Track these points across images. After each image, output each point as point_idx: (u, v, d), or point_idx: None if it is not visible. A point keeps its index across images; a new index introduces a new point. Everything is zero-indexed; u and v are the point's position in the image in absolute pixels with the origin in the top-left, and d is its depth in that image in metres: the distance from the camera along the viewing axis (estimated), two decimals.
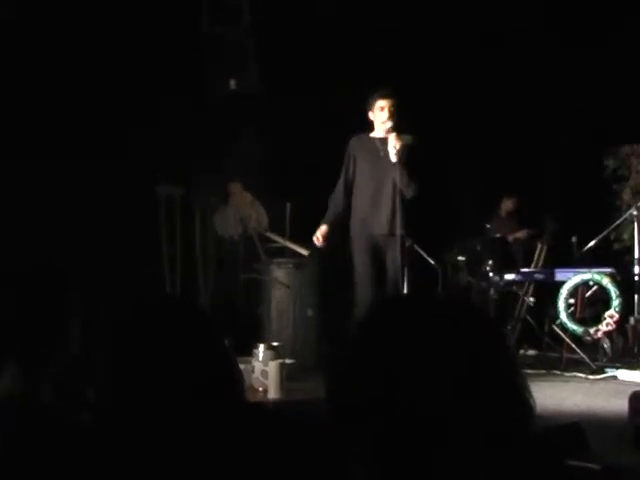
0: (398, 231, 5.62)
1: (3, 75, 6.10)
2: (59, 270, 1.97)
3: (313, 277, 6.74)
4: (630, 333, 6.79)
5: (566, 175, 8.55)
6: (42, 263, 2.01)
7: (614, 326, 6.56)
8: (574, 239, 7.09)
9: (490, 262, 7.27)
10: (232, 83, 7.22)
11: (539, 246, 7.49)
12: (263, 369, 5.31)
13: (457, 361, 1.05)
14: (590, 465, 2.79)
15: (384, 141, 5.78)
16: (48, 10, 6.32)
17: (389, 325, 1.10)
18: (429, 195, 5.82)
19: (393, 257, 5.66)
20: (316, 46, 7.41)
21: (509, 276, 7.25)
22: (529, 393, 1.10)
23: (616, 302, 6.54)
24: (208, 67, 7.32)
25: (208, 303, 6.91)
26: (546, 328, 7.03)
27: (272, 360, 5.35)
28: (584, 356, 6.47)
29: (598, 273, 6.72)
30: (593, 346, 6.71)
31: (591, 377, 6.09)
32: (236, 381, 1.56)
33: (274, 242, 7.16)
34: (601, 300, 6.71)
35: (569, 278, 6.80)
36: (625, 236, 7.60)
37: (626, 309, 6.65)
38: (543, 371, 6.36)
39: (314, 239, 5.95)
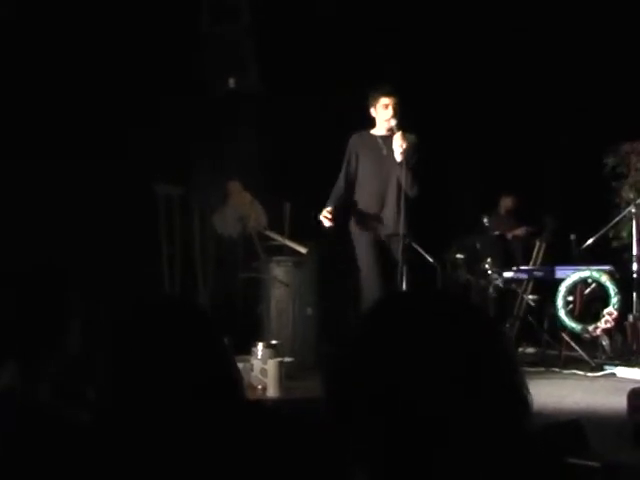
0: (402, 230, 5.56)
1: (2, 75, 6.10)
2: (59, 270, 1.98)
3: (312, 275, 6.74)
4: (629, 330, 6.80)
5: (565, 173, 8.55)
6: (42, 263, 2.01)
7: (613, 324, 6.56)
8: (573, 237, 7.09)
9: (489, 260, 7.28)
10: (231, 82, 7.21)
11: (538, 244, 7.49)
12: (262, 367, 5.31)
13: (457, 359, 1.05)
14: (590, 463, 2.79)
15: (386, 139, 5.75)
16: (48, 10, 6.32)
17: (390, 324, 1.10)
18: (428, 193, 5.81)
19: (397, 256, 5.61)
20: (316, 46, 7.41)
21: (508, 274, 7.25)
22: (527, 390, 1.10)
23: (615, 299, 6.54)
24: (207, 66, 7.31)
25: (207, 302, 6.90)
26: (545, 326, 7.03)
27: (271, 358, 5.35)
28: (583, 354, 6.48)
29: (597, 271, 6.72)
30: (592, 344, 6.72)
31: (590, 374, 6.10)
32: (235, 380, 1.56)
33: (273, 241, 7.16)
34: (600, 298, 6.71)
35: (568, 276, 6.80)
36: (624, 234, 7.59)
37: (625, 307, 6.66)
38: (542, 369, 6.37)
39: (322, 219, 5.69)
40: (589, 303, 6.79)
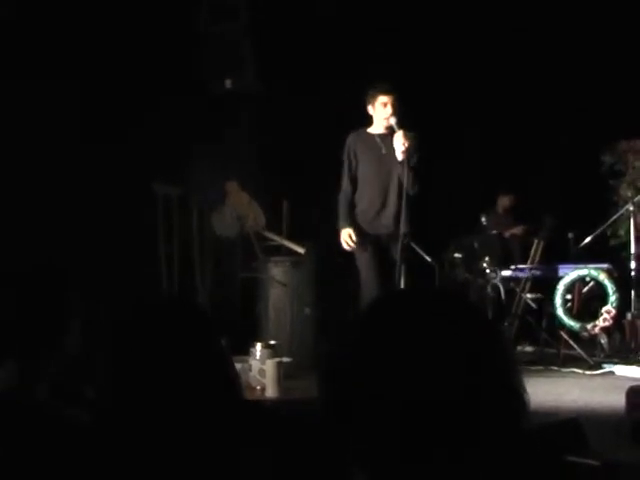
0: (402, 230, 5.50)
1: (2, 75, 6.10)
2: (59, 270, 1.98)
3: (310, 275, 6.74)
4: (627, 329, 6.81)
5: (563, 171, 8.56)
6: (42, 263, 2.01)
7: (611, 322, 6.57)
8: (571, 235, 7.10)
9: (487, 259, 7.28)
10: (228, 83, 7.21)
11: (536, 242, 7.49)
12: (261, 368, 5.32)
13: (455, 358, 1.06)
14: (589, 461, 2.80)
15: (385, 137, 5.69)
16: (48, 10, 6.32)
17: (388, 323, 1.10)
18: (426, 192, 5.79)
19: (397, 256, 5.56)
20: (315, 46, 7.40)
21: (506, 273, 7.25)
22: (524, 390, 1.11)
23: (613, 298, 6.55)
24: (206, 66, 7.31)
25: (206, 302, 6.90)
26: (544, 324, 7.04)
27: (269, 359, 5.35)
28: (581, 352, 6.48)
29: (595, 269, 6.73)
30: (590, 342, 6.72)
31: (588, 373, 6.11)
32: (233, 380, 1.56)
33: (271, 241, 7.16)
34: (598, 296, 6.72)
35: (566, 274, 6.81)
36: (622, 232, 7.60)
37: (623, 305, 6.67)
38: (541, 367, 6.38)
39: (344, 245, 5.69)
40: (587, 301, 6.79)
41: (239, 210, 7.40)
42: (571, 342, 6.61)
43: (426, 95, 7.42)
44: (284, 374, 5.21)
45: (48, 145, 6.22)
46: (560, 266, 6.98)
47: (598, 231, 6.97)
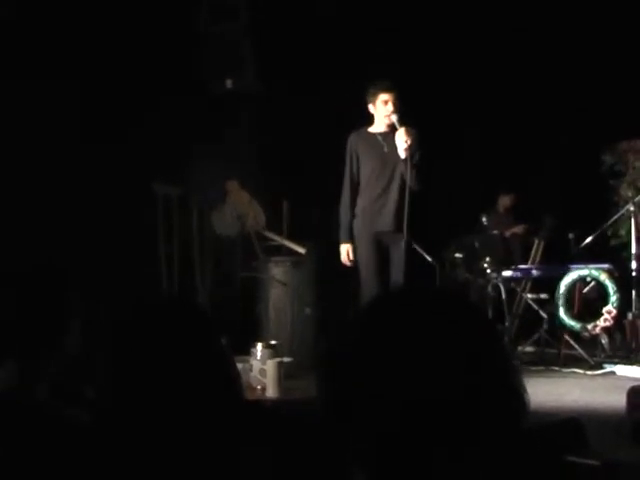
0: (406, 228, 5.46)
1: (2, 75, 6.10)
2: (59, 270, 1.98)
3: (311, 275, 6.74)
4: (628, 329, 6.80)
5: (564, 171, 8.56)
6: (42, 263, 2.01)
7: (612, 322, 6.56)
8: (571, 235, 7.09)
9: (488, 259, 7.27)
10: (228, 83, 7.21)
11: (536, 242, 7.50)
12: (261, 368, 5.32)
13: (455, 358, 1.06)
14: (589, 461, 2.80)
15: (386, 136, 5.66)
16: (48, 10, 6.32)
17: (388, 322, 1.10)
18: (426, 192, 5.78)
19: (398, 254, 5.55)
20: (315, 46, 7.40)
21: (507, 273, 7.24)
22: (524, 389, 1.11)
23: (614, 298, 6.55)
24: (206, 66, 7.31)
25: (206, 302, 6.90)
26: (544, 324, 7.03)
27: (270, 359, 5.35)
28: (582, 352, 6.48)
29: (596, 269, 6.73)
30: (591, 342, 6.72)
31: (589, 373, 6.11)
32: (233, 380, 1.56)
33: (272, 240, 7.16)
34: (599, 296, 6.72)
35: (567, 274, 6.80)
36: (622, 232, 7.59)
37: (624, 305, 6.66)
38: (542, 367, 6.38)
39: (343, 261, 5.78)
40: (588, 301, 6.79)
41: (239, 209, 7.40)
42: (572, 342, 6.61)
43: (426, 95, 7.41)
44: (285, 374, 5.21)
45: (48, 145, 6.22)
46: (561, 266, 6.97)
47: (599, 231, 6.97)
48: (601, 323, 6.57)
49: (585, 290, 6.79)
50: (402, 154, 5.52)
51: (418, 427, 1.04)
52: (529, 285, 7.38)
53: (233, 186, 7.49)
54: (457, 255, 7.54)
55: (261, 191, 7.37)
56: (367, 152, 5.77)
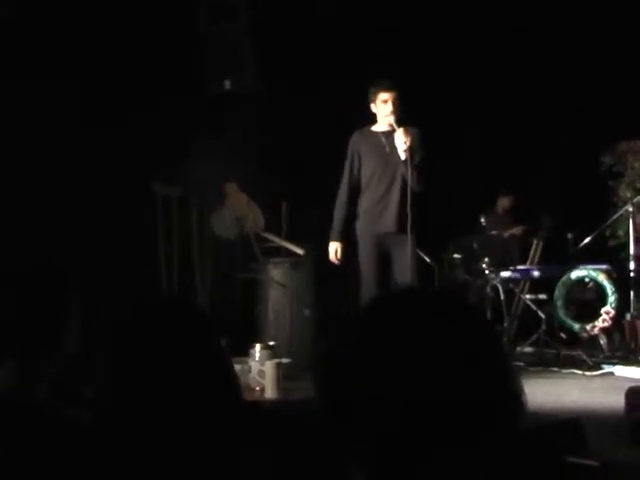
0: (409, 229, 5.43)
1: (2, 75, 6.10)
2: (59, 270, 1.98)
3: (309, 276, 6.73)
4: (627, 329, 6.81)
5: (562, 172, 8.56)
6: (42, 263, 2.01)
7: (610, 322, 6.57)
8: (570, 235, 7.09)
9: (486, 260, 7.27)
10: (227, 84, 7.21)
11: (535, 243, 7.50)
12: (260, 369, 5.31)
13: (454, 359, 1.06)
14: (588, 461, 2.81)
15: (389, 135, 5.61)
16: (48, 10, 6.32)
17: (387, 322, 1.10)
18: (425, 193, 5.77)
19: (402, 256, 5.51)
20: (315, 46, 7.40)
21: (505, 273, 7.25)
22: (522, 390, 1.11)
23: (612, 298, 6.55)
24: (206, 66, 7.31)
25: (205, 302, 6.91)
26: (543, 325, 7.03)
27: (269, 360, 5.34)
28: (581, 353, 6.48)
29: (594, 270, 6.73)
30: (590, 343, 6.73)
31: (588, 373, 6.10)
32: (232, 381, 1.56)
33: (270, 242, 7.16)
34: (597, 297, 6.72)
35: (565, 275, 6.81)
36: (621, 232, 7.59)
37: (622, 305, 6.67)
38: (540, 368, 6.37)
39: (331, 259, 5.79)
40: (587, 302, 6.80)
41: (238, 211, 7.40)
42: (570, 343, 6.61)
43: (426, 95, 7.41)
44: (283, 375, 5.20)
45: (48, 144, 6.22)
46: (559, 267, 6.98)
47: (597, 232, 6.97)
48: (600, 324, 6.58)
49: (584, 291, 6.80)
50: (402, 155, 5.50)
51: (417, 427, 1.04)
52: (528, 286, 7.38)
53: (232, 188, 7.49)
54: (456, 256, 7.54)
55: (260, 192, 7.37)
56: (369, 152, 5.74)
